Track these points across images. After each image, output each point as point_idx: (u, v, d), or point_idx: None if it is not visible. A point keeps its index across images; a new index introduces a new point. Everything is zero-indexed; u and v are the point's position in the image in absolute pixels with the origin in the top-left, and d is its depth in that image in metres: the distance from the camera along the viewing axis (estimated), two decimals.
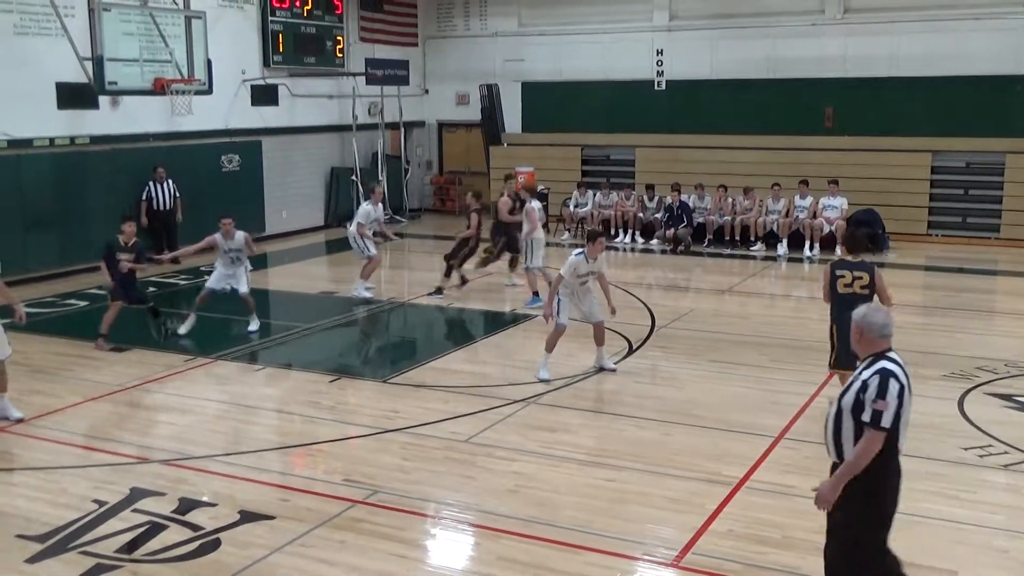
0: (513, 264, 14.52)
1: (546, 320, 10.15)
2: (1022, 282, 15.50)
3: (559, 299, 10.05)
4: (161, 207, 16.54)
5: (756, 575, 5.89)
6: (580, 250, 10.14)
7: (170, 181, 16.60)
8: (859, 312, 4.89)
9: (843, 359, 8.19)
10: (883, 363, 4.74)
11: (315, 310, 13.68)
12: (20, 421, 8.72)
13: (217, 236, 12.03)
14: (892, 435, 4.73)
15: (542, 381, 9.89)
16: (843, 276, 8.43)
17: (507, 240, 14.31)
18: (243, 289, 12.02)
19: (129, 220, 11.63)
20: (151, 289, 14.27)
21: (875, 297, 8.30)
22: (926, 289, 15.66)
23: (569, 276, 10.00)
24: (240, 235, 12.07)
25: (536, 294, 13.15)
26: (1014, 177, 18.32)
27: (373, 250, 13.86)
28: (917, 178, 18.99)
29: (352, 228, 13.92)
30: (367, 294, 13.83)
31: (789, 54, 20.07)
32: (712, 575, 5.89)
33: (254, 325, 12.09)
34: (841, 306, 8.07)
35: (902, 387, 4.68)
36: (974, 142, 18.60)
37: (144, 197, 16.45)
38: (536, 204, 13.43)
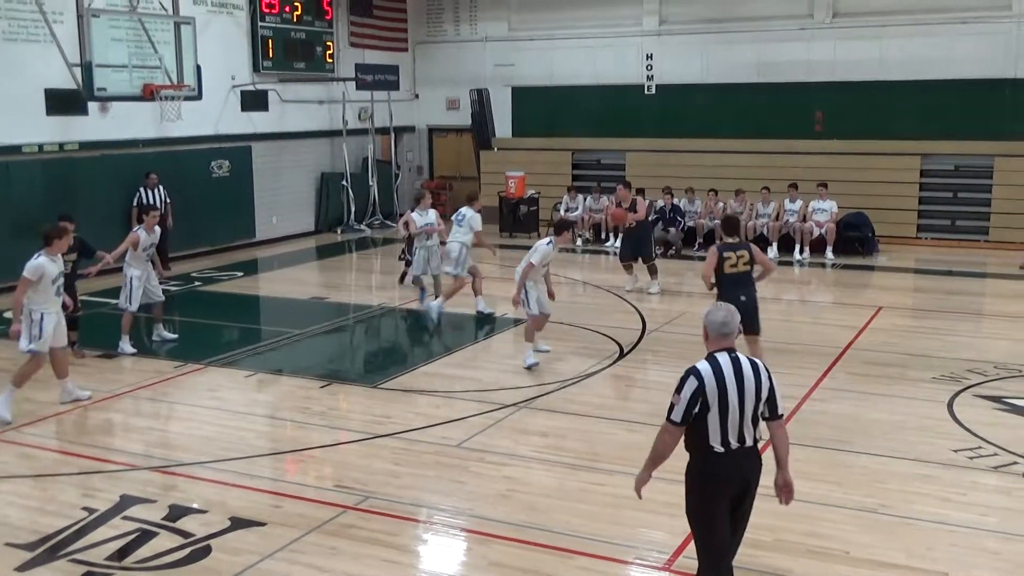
0: (651, 272, 14.57)
1: (516, 306, 10.63)
2: (1011, 284, 15.55)
3: (527, 289, 10.50)
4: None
5: None
6: (549, 239, 10.66)
7: (161, 187, 16.55)
8: (704, 311, 5.14)
9: None
10: (700, 362, 4.96)
11: (306, 316, 13.65)
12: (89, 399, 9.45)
13: (140, 232, 11.27)
14: (699, 433, 4.91)
15: (530, 367, 10.31)
16: (729, 258, 9.20)
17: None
18: (162, 296, 11.62)
19: (65, 219, 10.46)
20: None
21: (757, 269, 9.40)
22: (915, 292, 15.72)
23: (539, 264, 10.46)
24: (156, 229, 11.48)
25: (424, 292, 13.37)
26: (1002, 180, 18.43)
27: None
28: (906, 181, 19.06)
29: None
30: (487, 309, 13.03)
31: (778, 58, 20.13)
32: None
33: (170, 332, 11.92)
34: (728, 285, 9.10)
35: (700, 385, 4.84)
36: (962, 145, 18.69)
37: (135, 203, 16.38)
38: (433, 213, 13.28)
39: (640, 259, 14.63)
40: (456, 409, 9.17)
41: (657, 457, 5.01)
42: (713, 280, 9.31)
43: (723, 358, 4.95)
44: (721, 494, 4.98)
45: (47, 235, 9.14)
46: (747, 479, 5.03)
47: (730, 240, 9.43)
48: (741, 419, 4.91)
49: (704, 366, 4.91)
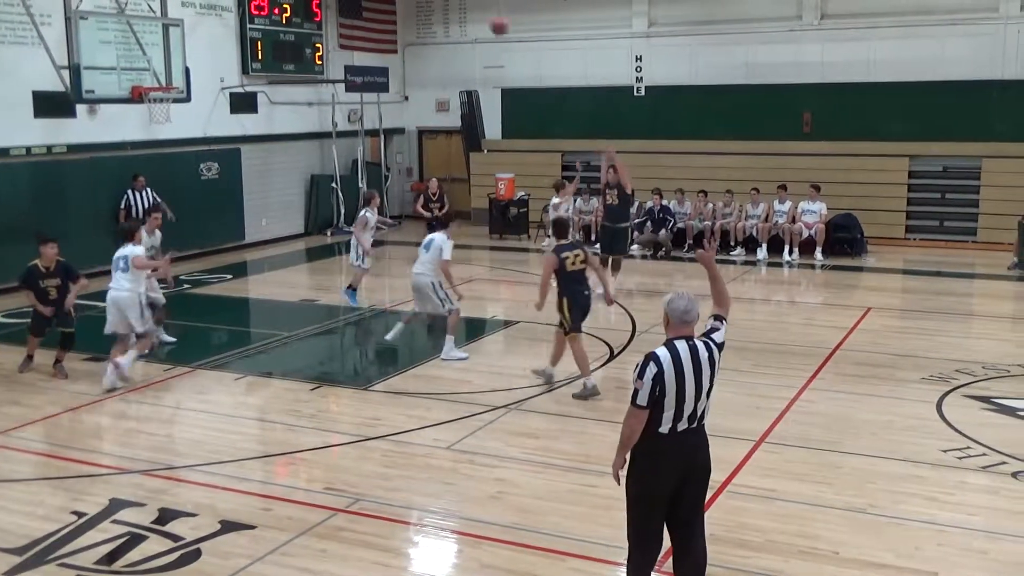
0: (614, 267, 14.56)
1: (460, 299, 11.34)
2: (999, 285, 15.64)
3: (441, 286, 11.13)
4: (140, 216, 16.40)
5: None
6: (444, 232, 11.28)
7: (149, 190, 16.49)
8: (665, 299, 5.33)
9: (576, 325, 9.60)
10: (659, 347, 5.13)
11: (296, 318, 13.62)
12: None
13: (142, 231, 11.13)
14: (651, 415, 5.06)
15: (461, 359, 10.96)
16: (567, 257, 9.55)
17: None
18: (162, 299, 11.64)
19: (49, 242, 10.38)
20: None
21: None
22: (904, 293, 15.78)
23: (451, 257, 11.18)
24: (157, 232, 11.58)
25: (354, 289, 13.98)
26: (990, 181, 18.51)
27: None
28: (895, 182, 19.13)
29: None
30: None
31: (767, 60, 20.19)
32: None
33: (168, 336, 11.89)
34: (570, 281, 9.52)
35: (660, 370, 5.01)
36: (951, 146, 18.77)
37: (123, 205, 16.32)
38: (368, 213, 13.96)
39: (612, 254, 14.64)
40: (446, 411, 9.16)
41: (627, 441, 5.14)
42: (551, 286, 9.61)
43: (681, 345, 5.11)
44: (665, 476, 5.11)
45: (129, 232, 10.27)
46: (691, 460, 5.16)
47: (564, 241, 9.89)
48: (696, 402, 5.09)
49: (663, 352, 5.08)
